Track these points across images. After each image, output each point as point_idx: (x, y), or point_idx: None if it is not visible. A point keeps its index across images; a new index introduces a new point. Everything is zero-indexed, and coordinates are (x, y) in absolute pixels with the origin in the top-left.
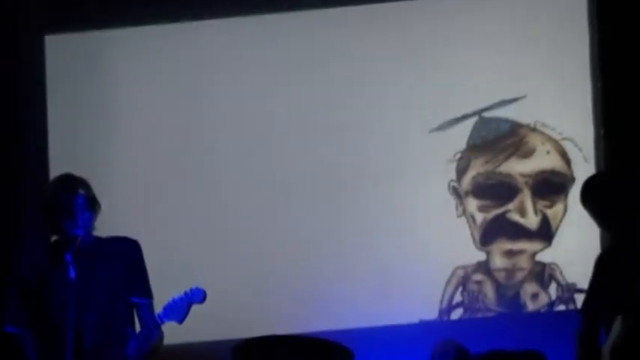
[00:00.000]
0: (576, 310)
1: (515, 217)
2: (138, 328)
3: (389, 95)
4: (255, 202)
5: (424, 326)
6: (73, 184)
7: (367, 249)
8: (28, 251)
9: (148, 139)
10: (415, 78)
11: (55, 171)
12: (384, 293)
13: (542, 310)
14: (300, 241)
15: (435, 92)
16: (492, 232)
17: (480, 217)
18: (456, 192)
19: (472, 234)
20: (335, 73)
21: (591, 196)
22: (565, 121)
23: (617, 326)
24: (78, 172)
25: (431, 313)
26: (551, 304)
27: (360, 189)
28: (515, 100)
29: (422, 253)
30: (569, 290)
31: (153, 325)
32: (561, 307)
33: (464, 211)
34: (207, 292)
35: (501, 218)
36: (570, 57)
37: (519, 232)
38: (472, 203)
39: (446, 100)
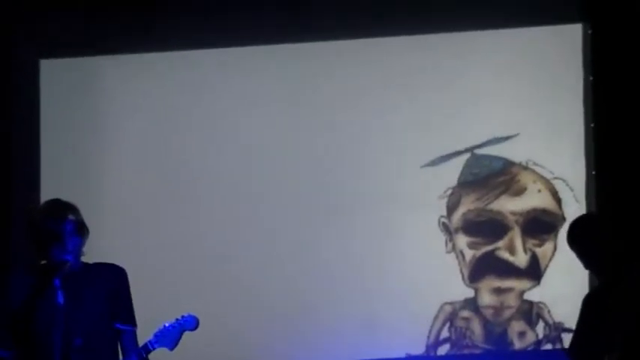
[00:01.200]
0: (563, 350)
1: (505, 254)
2: None
3: (382, 128)
4: (245, 232)
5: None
6: (62, 209)
7: (355, 282)
8: (15, 275)
9: (137, 163)
10: (408, 113)
11: (45, 195)
12: (372, 327)
13: (528, 349)
14: (288, 272)
15: (427, 128)
16: (481, 269)
17: (469, 254)
18: (445, 228)
19: (461, 270)
20: (329, 104)
21: (577, 236)
22: (557, 160)
23: None
24: (68, 196)
25: (418, 348)
26: (538, 342)
27: (350, 221)
28: (507, 138)
29: (410, 288)
30: (556, 329)
31: (143, 351)
32: (548, 346)
33: (453, 247)
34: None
35: (491, 255)
36: (563, 97)
37: (508, 270)
38: (462, 240)
39: (438, 136)
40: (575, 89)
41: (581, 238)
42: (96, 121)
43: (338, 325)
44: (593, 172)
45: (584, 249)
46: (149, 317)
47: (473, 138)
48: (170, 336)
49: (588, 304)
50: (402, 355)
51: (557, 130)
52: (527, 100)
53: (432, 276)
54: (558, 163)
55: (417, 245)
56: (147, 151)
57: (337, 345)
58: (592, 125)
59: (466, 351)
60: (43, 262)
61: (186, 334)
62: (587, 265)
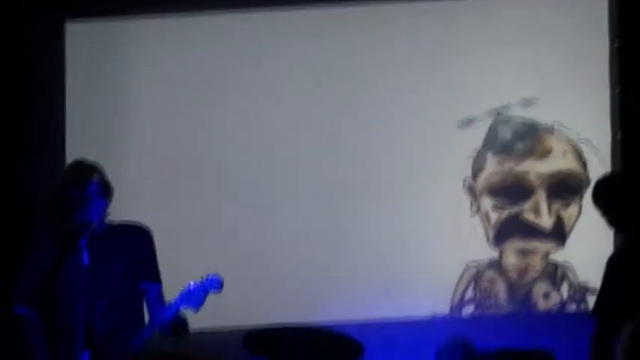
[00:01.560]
0: (587, 312)
1: (530, 217)
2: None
3: (407, 93)
4: (270, 193)
5: (435, 321)
6: (86, 171)
7: (381, 242)
8: (39, 238)
9: (161, 127)
10: (435, 77)
11: (70, 156)
12: (396, 287)
13: (553, 310)
14: (313, 231)
15: (453, 90)
16: (506, 231)
17: (494, 216)
18: (471, 190)
19: (486, 232)
20: (352, 73)
21: (602, 195)
22: (582, 123)
23: (629, 326)
24: (93, 157)
25: (442, 309)
26: (563, 303)
27: (374, 184)
28: (533, 100)
29: (435, 249)
30: (581, 290)
31: (167, 311)
32: (572, 307)
33: (478, 210)
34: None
35: (515, 218)
36: (589, 60)
37: (533, 232)
38: (487, 202)
39: (464, 99)
40: (602, 53)
41: (606, 196)
42: (120, 86)
43: (363, 285)
44: (619, 136)
45: (609, 207)
46: (174, 279)
47: (498, 101)
48: (195, 297)
49: (613, 264)
50: (427, 315)
51: (583, 93)
52: (553, 63)
53: (457, 237)
54: (583, 126)
55: (442, 206)
56: (170, 116)
57: (362, 305)
58: (618, 89)
59: (490, 311)
60: (67, 224)
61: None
62: (611, 224)
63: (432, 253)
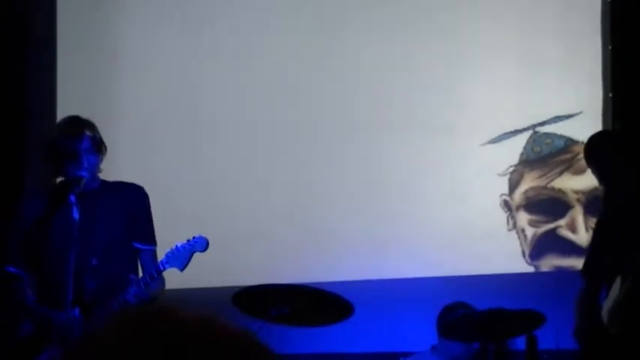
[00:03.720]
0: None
1: (567, 233)
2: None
3: (440, 106)
4: (260, 150)
5: (427, 281)
6: (79, 126)
7: (380, 202)
8: (30, 195)
9: (154, 80)
10: (471, 91)
11: (62, 113)
12: (388, 247)
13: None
14: (304, 189)
15: (490, 106)
16: (543, 247)
17: (530, 232)
18: (507, 205)
19: (522, 248)
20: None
21: (593, 152)
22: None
23: (615, 288)
24: (84, 114)
25: (435, 270)
26: None
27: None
28: (570, 116)
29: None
30: None
31: (155, 273)
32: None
33: (515, 225)
34: (209, 240)
35: (552, 234)
36: None
37: (570, 248)
38: (523, 217)
39: (500, 114)
40: None
41: (597, 153)
42: (112, 36)
43: (351, 247)
44: (610, 95)
45: (600, 164)
46: (162, 238)
47: (535, 116)
48: (181, 256)
49: (602, 225)
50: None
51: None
52: (591, 78)
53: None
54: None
55: (480, 215)
56: (164, 67)
57: (350, 266)
58: (610, 47)
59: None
60: (58, 179)
61: (197, 255)
62: (601, 181)
63: (426, 213)
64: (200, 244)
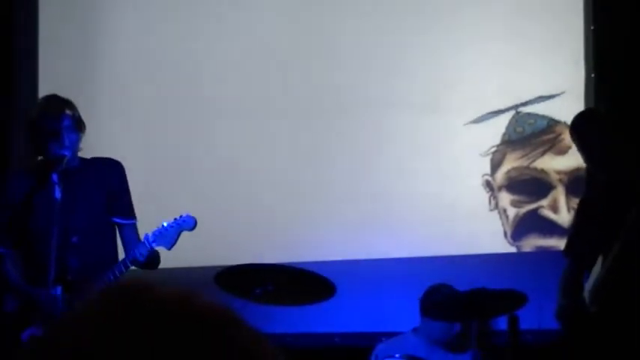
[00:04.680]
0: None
1: (549, 213)
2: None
3: (423, 86)
4: (244, 130)
5: (409, 261)
6: (59, 105)
7: (364, 182)
8: (14, 174)
9: (137, 60)
10: (455, 71)
11: (43, 92)
12: (371, 227)
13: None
14: (291, 168)
15: (473, 86)
16: (524, 227)
17: (512, 212)
18: (489, 186)
19: (504, 228)
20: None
21: (577, 130)
22: None
23: (597, 267)
24: (64, 93)
25: (421, 249)
26: None
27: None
28: (552, 96)
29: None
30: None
31: (142, 248)
32: None
33: (496, 205)
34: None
35: (534, 214)
36: None
37: (552, 228)
38: (505, 198)
39: (484, 94)
40: None
41: (581, 131)
42: (95, 15)
43: (337, 226)
44: (592, 75)
45: (583, 142)
46: (148, 216)
47: (518, 96)
48: (168, 236)
49: (584, 204)
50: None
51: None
52: (572, 58)
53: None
54: None
55: (463, 196)
56: (147, 47)
57: (336, 245)
58: (592, 28)
59: None
60: (40, 158)
61: (184, 234)
62: (586, 160)
63: (408, 193)
64: (188, 223)
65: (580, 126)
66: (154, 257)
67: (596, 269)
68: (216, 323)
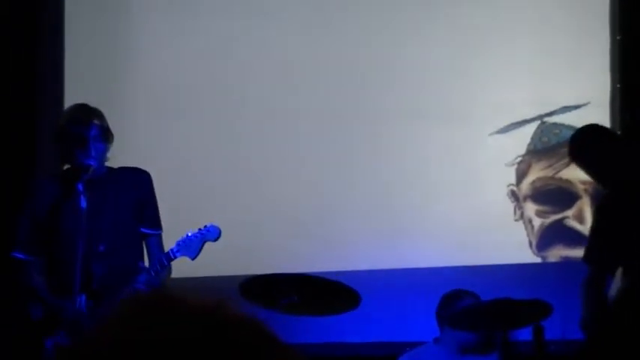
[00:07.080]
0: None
1: (574, 223)
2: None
3: (449, 97)
4: (271, 140)
5: (434, 271)
6: (87, 114)
7: (389, 191)
8: (40, 182)
9: (164, 69)
10: (481, 81)
11: (70, 101)
12: (397, 237)
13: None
14: (315, 178)
15: (499, 96)
16: (550, 237)
17: (537, 222)
18: (514, 196)
19: (529, 239)
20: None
21: (578, 148)
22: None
23: (619, 276)
24: (93, 102)
25: (447, 260)
26: None
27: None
28: (578, 106)
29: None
30: None
31: (166, 261)
32: None
33: (522, 216)
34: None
35: (559, 224)
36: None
37: (577, 239)
38: (530, 208)
39: (509, 105)
40: None
41: (580, 151)
42: (123, 24)
43: (364, 236)
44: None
45: (588, 160)
46: (172, 225)
47: (543, 106)
48: (192, 245)
49: (601, 211)
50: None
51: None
52: (598, 69)
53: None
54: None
55: (488, 206)
56: (174, 57)
57: (362, 255)
58: (618, 37)
59: None
60: (66, 167)
61: (208, 244)
62: (593, 179)
63: (434, 203)
64: (212, 233)
65: (574, 151)
66: (169, 268)
67: (618, 278)
68: (246, 332)
